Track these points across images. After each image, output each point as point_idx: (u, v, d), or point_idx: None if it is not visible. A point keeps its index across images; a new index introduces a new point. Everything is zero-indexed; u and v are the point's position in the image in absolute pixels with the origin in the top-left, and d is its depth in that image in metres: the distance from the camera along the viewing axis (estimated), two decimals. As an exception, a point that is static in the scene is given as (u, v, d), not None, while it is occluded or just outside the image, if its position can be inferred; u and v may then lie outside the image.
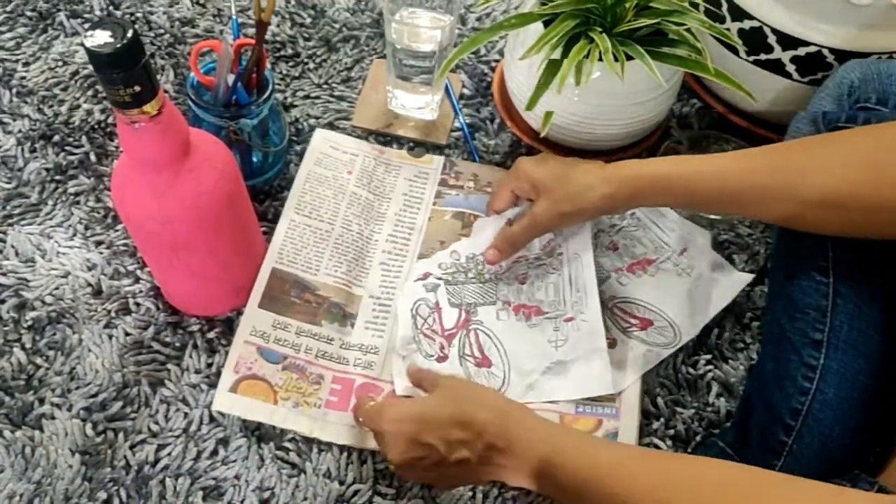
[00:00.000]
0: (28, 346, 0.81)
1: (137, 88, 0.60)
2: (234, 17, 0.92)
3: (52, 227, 0.89)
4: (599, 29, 0.79)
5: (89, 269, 0.86)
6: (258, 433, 0.78)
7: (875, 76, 0.70)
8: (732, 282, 0.86)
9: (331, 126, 0.98)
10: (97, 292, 0.85)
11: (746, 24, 0.88)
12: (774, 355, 0.75)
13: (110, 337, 0.82)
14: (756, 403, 0.76)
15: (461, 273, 0.85)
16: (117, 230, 0.89)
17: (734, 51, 0.90)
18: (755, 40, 0.88)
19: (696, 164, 0.72)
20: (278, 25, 1.06)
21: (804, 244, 0.74)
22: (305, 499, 0.74)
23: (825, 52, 0.85)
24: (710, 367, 0.83)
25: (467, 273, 0.85)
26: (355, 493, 0.75)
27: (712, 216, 0.89)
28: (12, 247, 0.87)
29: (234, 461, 0.76)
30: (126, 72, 0.58)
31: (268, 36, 1.02)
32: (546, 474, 0.62)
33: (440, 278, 0.85)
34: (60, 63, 1.01)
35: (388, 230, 0.90)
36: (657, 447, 0.78)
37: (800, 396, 0.71)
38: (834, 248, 0.72)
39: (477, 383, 0.77)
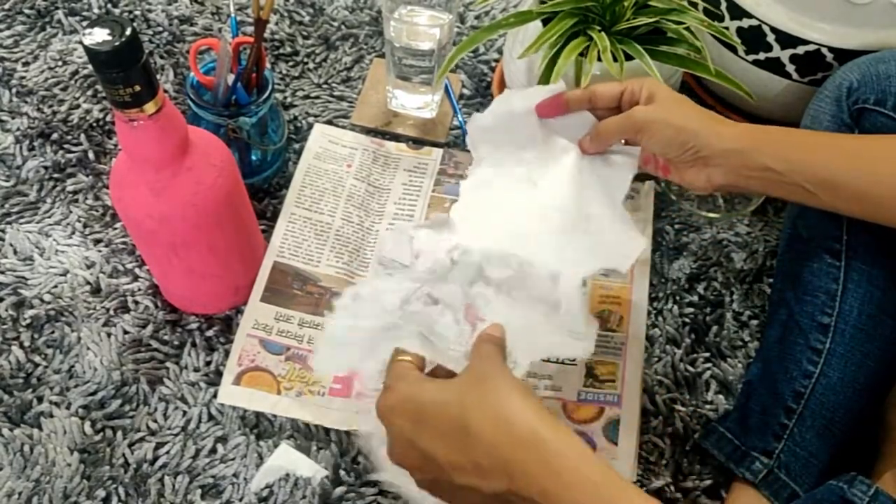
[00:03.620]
0: (27, 344, 0.81)
1: (137, 88, 0.60)
2: (232, 15, 0.92)
3: (50, 225, 0.89)
4: (598, 27, 0.79)
5: (88, 267, 0.86)
6: (256, 431, 0.78)
7: (874, 77, 0.70)
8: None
9: (329, 124, 0.98)
10: (96, 290, 0.85)
11: (745, 23, 0.88)
12: (780, 337, 0.76)
13: (109, 335, 0.82)
14: (759, 385, 0.76)
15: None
16: (116, 228, 0.89)
17: (733, 49, 0.90)
18: (754, 39, 0.88)
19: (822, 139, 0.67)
20: (277, 23, 1.06)
21: (817, 225, 0.74)
22: (304, 497, 0.74)
23: (824, 50, 0.85)
24: (709, 365, 0.83)
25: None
26: (356, 492, 0.75)
27: (711, 214, 0.89)
28: (11, 245, 0.87)
29: (233, 459, 0.76)
30: (126, 71, 0.58)
31: (266, 34, 1.02)
32: None
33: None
34: (60, 62, 1.01)
35: (387, 220, 0.91)
36: (655, 445, 0.78)
37: (803, 379, 0.72)
38: (849, 231, 0.72)
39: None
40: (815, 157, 0.63)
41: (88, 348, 0.81)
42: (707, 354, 0.84)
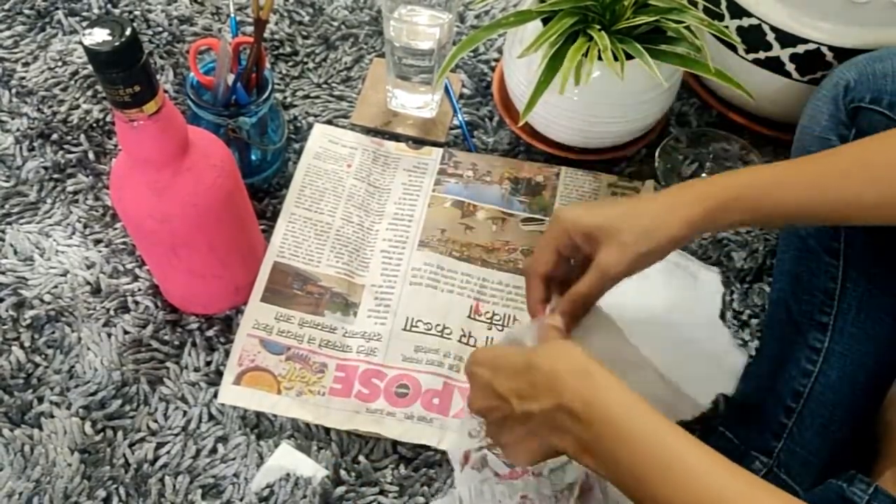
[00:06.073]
0: (27, 344, 0.81)
1: (137, 88, 0.60)
2: (232, 15, 0.92)
3: (50, 225, 0.89)
4: (598, 27, 0.79)
5: (88, 267, 0.86)
6: (257, 431, 0.78)
7: (870, 76, 0.70)
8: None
9: (329, 124, 0.98)
10: (96, 290, 0.85)
11: (745, 22, 0.88)
12: (779, 337, 0.76)
13: (109, 335, 0.82)
14: (758, 385, 0.76)
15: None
16: (116, 228, 0.89)
17: (733, 49, 0.90)
18: (754, 38, 0.88)
19: (783, 173, 0.63)
20: (276, 23, 1.06)
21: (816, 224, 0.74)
22: (305, 497, 0.74)
23: (824, 49, 0.85)
24: (709, 364, 0.83)
25: None
26: (357, 492, 0.75)
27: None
28: (11, 245, 0.87)
29: (233, 459, 0.76)
30: (126, 71, 0.58)
31: (266, 34, 1.02)
32: (616, 460, 0.52)
33: (480, 447, 0.69)
34: (59, 63, 1.01)
35: (388, 220, 0.91)
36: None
37: (802, 378, 0.72)
38: (847, 230, 0.72)
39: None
40: (782, 195, 0.62)
41: (89, 348, 0.81)
42: (707, 354, 0.84)
